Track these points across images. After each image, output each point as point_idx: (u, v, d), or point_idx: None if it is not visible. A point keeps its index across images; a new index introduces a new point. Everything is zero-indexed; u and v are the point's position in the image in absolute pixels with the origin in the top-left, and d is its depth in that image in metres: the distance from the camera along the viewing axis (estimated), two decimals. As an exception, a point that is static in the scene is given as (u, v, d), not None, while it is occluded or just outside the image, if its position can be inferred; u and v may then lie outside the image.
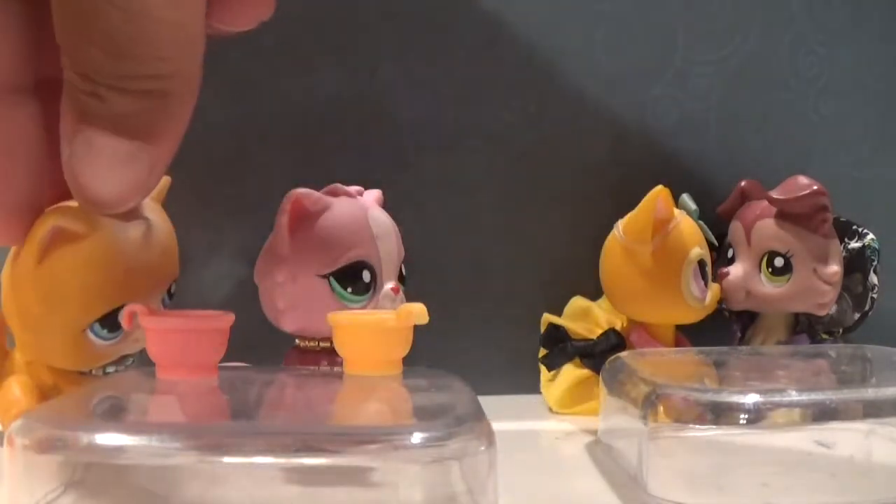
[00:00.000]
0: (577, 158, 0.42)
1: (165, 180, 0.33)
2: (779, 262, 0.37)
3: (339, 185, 0.34)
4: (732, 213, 0.40)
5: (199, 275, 0.35)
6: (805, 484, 0.26)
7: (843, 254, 0.38)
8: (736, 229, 0.39)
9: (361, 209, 0.34)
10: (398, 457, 0.21)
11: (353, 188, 0.35)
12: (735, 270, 0.38)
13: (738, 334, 0.40)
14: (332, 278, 0.32)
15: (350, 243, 0.33)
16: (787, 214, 0.37)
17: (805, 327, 0.38)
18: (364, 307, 0.33)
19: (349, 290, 0.32)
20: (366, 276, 0.33)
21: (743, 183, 0.39)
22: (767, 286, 0.38)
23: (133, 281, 0.28)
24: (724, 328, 0.41)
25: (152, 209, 0.31)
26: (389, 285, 0.33)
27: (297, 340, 0.34)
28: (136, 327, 0.26)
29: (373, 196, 0.35)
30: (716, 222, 0.40)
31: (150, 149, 0.23)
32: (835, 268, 0.37)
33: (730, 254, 0.39)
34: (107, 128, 0.22)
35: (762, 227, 0.38)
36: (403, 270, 0.35)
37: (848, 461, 0.28)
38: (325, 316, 0.29)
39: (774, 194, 0.37)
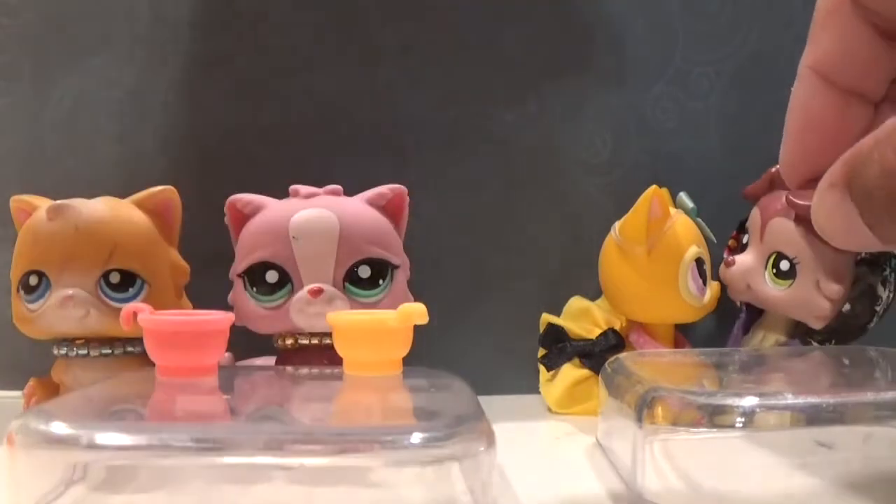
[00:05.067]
0: (577, 158, 0.42)
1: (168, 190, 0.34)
2: (784, 265, 0.36)
3: (296, 186, 0.33)
4: (757, 197, 0.38)
5: (199, 275, 0.35)
6: (802, 487, 0.26)
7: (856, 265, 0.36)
8: (754, 218, 0.38)
9: (289, 210, 0.32)
10: (398, 457, 0.21)
11: (307, 188, 0.33)
12: (741, 261, 0.38)
13: (741, 327, 0.40)
14: (244, 278, 0.33)
15: (259, 244, 0.32)
16: (803, 219, 0.35)
17: (799, 333, 0.37)
18: (278, 307, 0.32)
19: (255, 289, 0.33)
20: (271, 276, 0.32)
21: (773, 169, 0.37)
22: (769, 286, 0.37)
23: (38, 250, 0.31)
24: (725, 326, 0.41)
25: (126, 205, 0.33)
26: (308, 288, 0.32)
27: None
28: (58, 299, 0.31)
29: (324, 192, 0.34)
30: (724, 215, 0.40)
31: None
32: (837, 286, 0.35)
33: (745, 239, 0.39)
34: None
35: (777, 225, 0.36)
36: (363, 272, 0.33)
37: (846, 463, 0.28)
38: (252, 315, 0.30)
39: (795, 197, 0.33)
